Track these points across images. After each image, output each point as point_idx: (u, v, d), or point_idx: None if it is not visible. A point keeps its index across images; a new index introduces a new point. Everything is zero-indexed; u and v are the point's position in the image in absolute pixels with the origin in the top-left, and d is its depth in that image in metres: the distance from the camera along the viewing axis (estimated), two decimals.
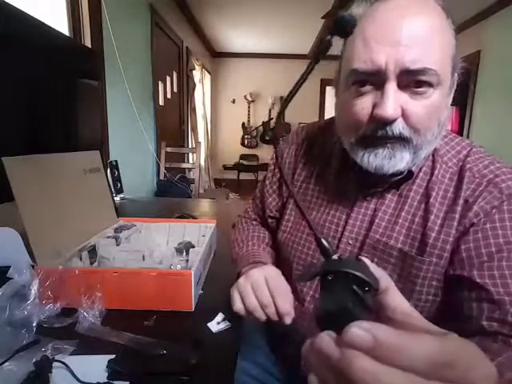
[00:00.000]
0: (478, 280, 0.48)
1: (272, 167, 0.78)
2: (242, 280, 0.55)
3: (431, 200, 0.55)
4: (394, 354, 0.20)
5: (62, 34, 1.17)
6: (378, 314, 0.28)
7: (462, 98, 3.67)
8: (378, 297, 0.28)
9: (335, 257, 0.31)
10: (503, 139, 3.18)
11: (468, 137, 3.65)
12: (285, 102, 0.33)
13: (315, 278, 0.30)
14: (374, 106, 0.49)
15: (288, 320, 0.51)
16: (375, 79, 0.49)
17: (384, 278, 0.29)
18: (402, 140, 0.50)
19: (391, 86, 0.47)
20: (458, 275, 0.51)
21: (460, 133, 3.75)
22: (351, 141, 0.54)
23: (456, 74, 0.53)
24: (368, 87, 0.50)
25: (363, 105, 0.50)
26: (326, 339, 0.23)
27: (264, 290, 0.52)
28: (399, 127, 0.49)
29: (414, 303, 0.55)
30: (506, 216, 0.50)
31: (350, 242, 0.60)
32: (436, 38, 0.47)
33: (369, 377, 0.20)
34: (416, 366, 0.20)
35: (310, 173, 0.69)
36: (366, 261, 0.30)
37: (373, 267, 0.29)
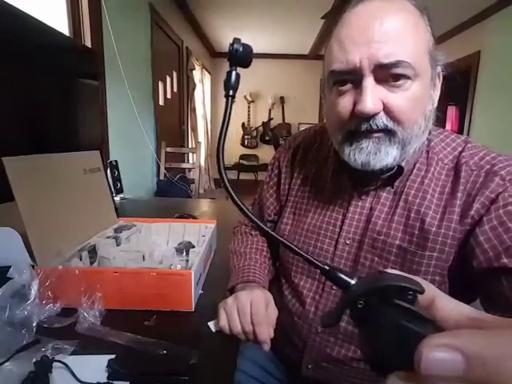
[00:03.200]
0: None
1: (270, 172, 0.79)
2: (230, 301, 0.58)
3: (428, 197, 0.55)
4: (502, 369, 0.14)
5: (62, 33, 1.17)
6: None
7: (462, 98, 3.67)
8: (430, 311, 0.22)
9: (353, 281, 0.25)
10: (503, 139, 3.18)
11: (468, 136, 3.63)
12: (219, 140, 0.31)
13: (342, 313, 0.24)
14: (355, 103, 0.50)
15: (266, 347, 0.54)
16: (353, 77, 0.50)
17: (425, 285, 0.22)
18: (387, 133, 0.51)
19: (368, 82, 0.49)
20: (488, 268, 0.49)
21: (460, 133, 3.74)
22: (338, 139, 0.55)
23: (439, 67, 0.54)
24: (348, 86, 0.51)
25: (345, 103, 0.52)
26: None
27: (247, 317, 0.55)
28: (383, 120, 0.50)
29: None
30: None
31: (348, 241, 0.61)
32: (408, 34, 0.49)
33: None
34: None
35: (306, 176, 0.70)
36: (390, 270, 0.25)
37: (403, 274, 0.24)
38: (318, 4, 3.30)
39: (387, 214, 0.58)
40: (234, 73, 0.32)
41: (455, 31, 3.78)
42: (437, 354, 0.15)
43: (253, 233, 0.82)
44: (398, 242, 0.56)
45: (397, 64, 0.47)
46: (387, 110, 0.50)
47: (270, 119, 5.83)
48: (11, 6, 0.87)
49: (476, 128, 3.62)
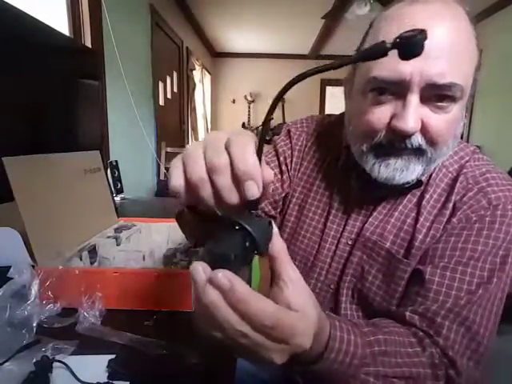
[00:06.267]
0: (427, 276, 0.49)
1: (275, 148, 0.71)
2: (193, 144, 0.33)
3: (423, 202, 0.54)
4: (239, 303, 0.26)
5: (62, 34, 1.17)
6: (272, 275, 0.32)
7: None
8: (272, 262, 0.32)
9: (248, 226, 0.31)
10: (503, 139, 3.18)
11: (468, 137, 3.65)
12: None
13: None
14: (393, 116, 0.47)
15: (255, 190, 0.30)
16: (397, 89, 0.46)
17: (281, 249, 0.32)
18: (418, 152, 0.48)
19: (414, 99, 0.45)
20: (416, 268, 0.52)
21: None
22: (363, 148, 0.52)
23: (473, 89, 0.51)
24: (388, 96, 0.47)
25: (381, 114, 0.48)
26: (198, 269, 0.28)
27: (221, 148, 0.30)
28: (418, 140, 0.47)
29: (397, 304, 0.55)
30: (485, 226, 0.50)
31: (350, 242, 0.60)
32: (464, 48, 0.45)
33: (212, 305, 0.26)
34: (249, 319, 0.27)
35: (314, 170, 0.68)
36: (275, 229, 0.32)
37: (277, 236, 0.32)
38: (318, 4, 3.30)
39: (385, 216, 0.57)
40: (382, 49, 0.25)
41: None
42: (222, 277, 0.26)
43: None
44: (388, 245, 0.56)
45: (449, 86, 0.44)
46: (424, 130, 0.47)
47: (270, 119, 5.82)
48: (11, 5, 0.87)
49: (476, 128, 3.62)
